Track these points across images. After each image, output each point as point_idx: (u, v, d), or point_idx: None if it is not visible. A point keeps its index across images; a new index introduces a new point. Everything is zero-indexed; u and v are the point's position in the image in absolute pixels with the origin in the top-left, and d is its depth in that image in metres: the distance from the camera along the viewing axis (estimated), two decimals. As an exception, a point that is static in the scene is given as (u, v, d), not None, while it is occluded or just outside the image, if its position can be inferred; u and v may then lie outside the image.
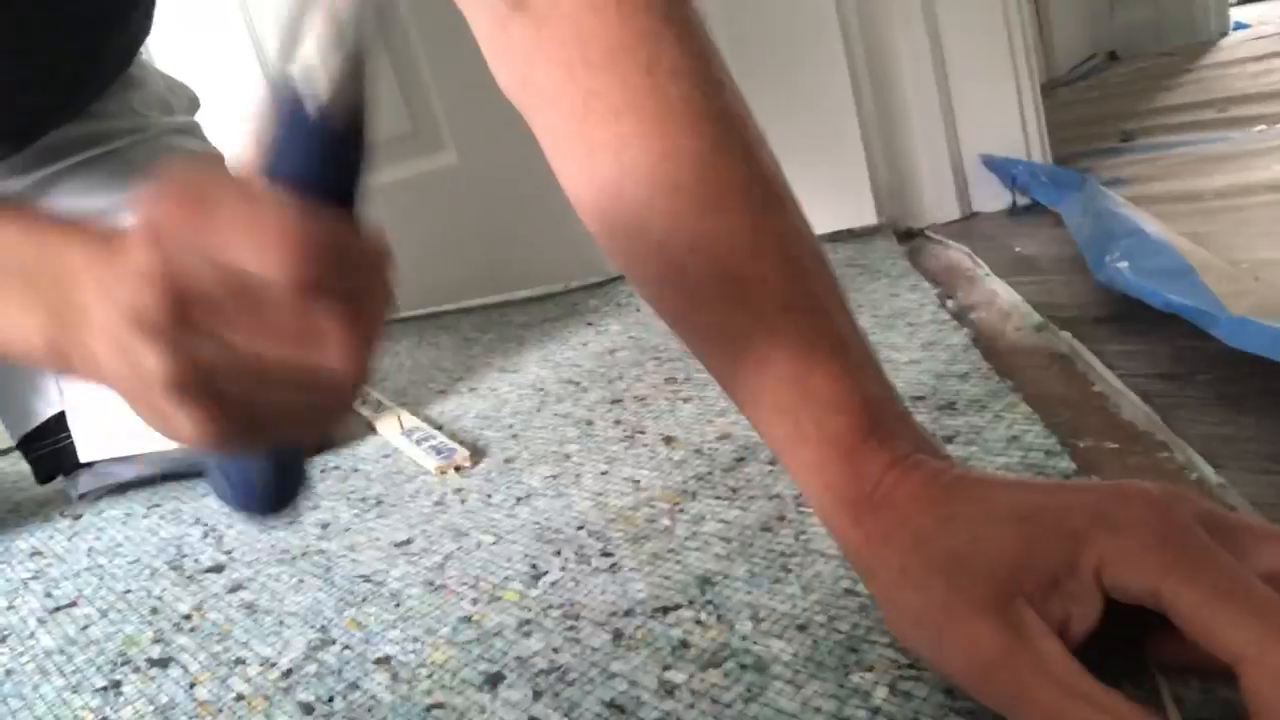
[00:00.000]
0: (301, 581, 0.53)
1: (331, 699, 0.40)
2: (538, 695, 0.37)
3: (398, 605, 0.47)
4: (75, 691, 0.46)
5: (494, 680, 0.39)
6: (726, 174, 0.36)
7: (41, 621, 0.56)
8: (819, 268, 0.37)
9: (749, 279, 0.35)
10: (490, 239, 1.23)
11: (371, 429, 0.77)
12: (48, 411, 0.77)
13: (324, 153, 0.24)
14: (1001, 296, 0.75)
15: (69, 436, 0.76)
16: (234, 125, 0.99)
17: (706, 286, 0.36)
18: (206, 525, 0.66)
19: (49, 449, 0.78)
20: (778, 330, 0.34)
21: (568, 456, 0.62)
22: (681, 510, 0.49)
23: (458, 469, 0.64)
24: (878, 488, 0.32)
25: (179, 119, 0.82)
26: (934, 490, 0.32)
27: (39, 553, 0.70)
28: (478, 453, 0.67)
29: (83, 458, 0.76)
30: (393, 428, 0.74)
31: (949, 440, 0.50)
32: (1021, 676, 0.27)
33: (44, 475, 0.81)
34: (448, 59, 1.16)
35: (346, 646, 0.44)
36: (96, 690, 0.46)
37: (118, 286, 0.25)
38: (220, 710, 0.42)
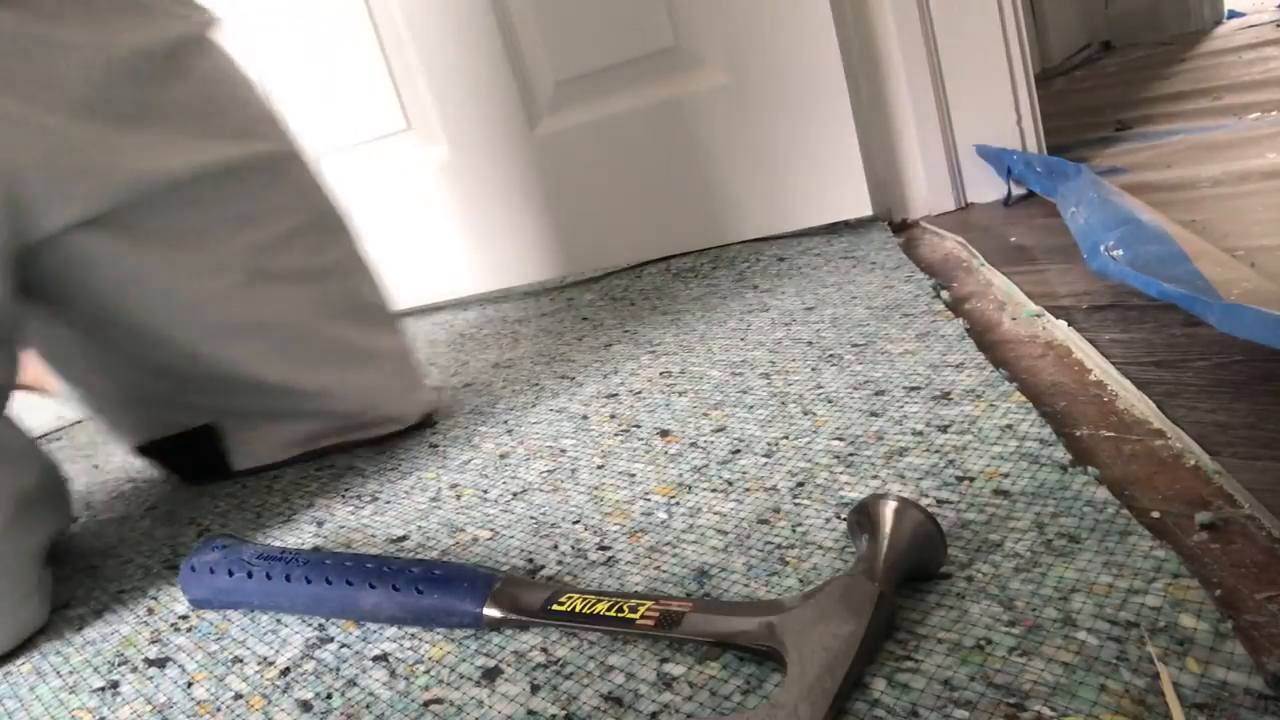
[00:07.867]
0: (298, 579, 0.53)
1: (330, 696, 0.40)
2: (535, 689, 0.37)
3: (395, 602, 0.47)
4: (72, 692, 0.46)
5: (491, 675, 0.39)
6: None
7: (38, 622, 0.56)
8: None
9: None
10: (483, 234, 1.23)
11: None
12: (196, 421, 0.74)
13: None
14: (997, 286, 0.75)
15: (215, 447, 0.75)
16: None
17: None
18: (201, 525, 0.66)
19: (186, 452, 0.75)
20: None
21: (563, 451, 0.61)
22: (677, 503, 0.49)
23: None
24: None
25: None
26: None
27: (35, 554, 0.70)
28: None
29: (236, 467, 0.74)
30: None
31: (944, 430, 0.50)
32: None
33: (193, 475, 0.78)
34: (440, 51, 1.15)
35: (344, 644, 0.44)
36: (94, 690, 0.46)
37: None
38: (219, 709, 0.42)
